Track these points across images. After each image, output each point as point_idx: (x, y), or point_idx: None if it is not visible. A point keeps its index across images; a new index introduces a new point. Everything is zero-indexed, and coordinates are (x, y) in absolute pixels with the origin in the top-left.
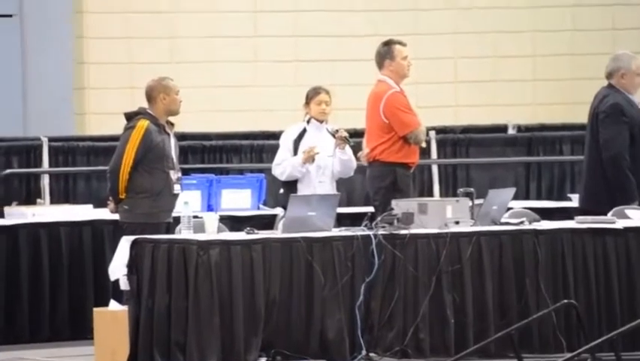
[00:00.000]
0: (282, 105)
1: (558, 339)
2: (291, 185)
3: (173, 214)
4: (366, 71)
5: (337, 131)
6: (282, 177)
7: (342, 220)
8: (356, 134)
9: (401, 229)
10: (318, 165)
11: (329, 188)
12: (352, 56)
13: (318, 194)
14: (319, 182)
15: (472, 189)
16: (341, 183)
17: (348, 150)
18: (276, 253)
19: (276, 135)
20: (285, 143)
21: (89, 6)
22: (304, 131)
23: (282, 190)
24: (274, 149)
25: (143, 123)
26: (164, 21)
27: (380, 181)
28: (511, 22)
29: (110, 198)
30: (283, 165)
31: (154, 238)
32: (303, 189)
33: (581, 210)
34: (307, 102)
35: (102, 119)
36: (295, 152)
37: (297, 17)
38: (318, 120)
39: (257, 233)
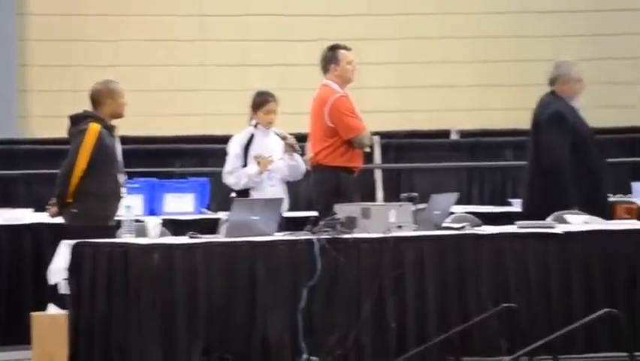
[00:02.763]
0: (227, 109)
1: (498, 343)
2: (243, 189)
3: (116, 218)
4: (312, 75)
5: (285, 137)
6: (237, 187)
7: (286, 225)
8: (302, 139)
9: (344, 234)
10: (268, 170)
11: (280, 191)
12: (299, 61)
13: (261, 198)
14: (271, 185)
15: (415, 194)
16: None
17: (297, 155)
18: (218, 257)
19: (220, 139)
20: (234, 150)
21: (32, 8)
22: (252, 137)
23: (233, 194)
24: (218, 153)
25: (95, 127)
26: (109, 24)
27: (323, 185)
28: (455, 28)
29: (53, 201)
30: (237, 175)
31: (95, 242)
32: (255, 194)
33: (523, 216)
34: (254, 108)
35: (46, 121)
36: (245, 158)
37: (245, 22)
38: (265, 127)
39: (199, 237)
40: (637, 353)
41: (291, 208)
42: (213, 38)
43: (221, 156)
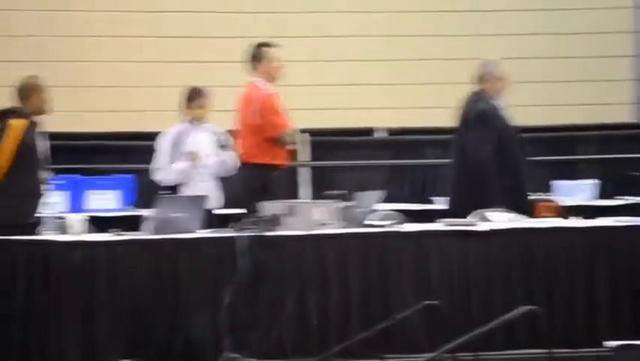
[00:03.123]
0: (152, 105)
1: (420, 340)
2: (173, 186)
3: (38, 215)
4: (239, 72)
5: (216, 133)
6: (166, 183)
7: (210, 221)
8: (232, 135)
9: (268, 231)
10: (199, 166)
11: (210, 187)
12: (223, 58)
13: (185, 195)
14: (201, 181)
15: (339, 192)
16: None
17: (228, 150)
18: (140, 254)
19: (144, 136)
20: (164, 146)
21: None
22: (184, 132)
23: (163, 191)
24: (143, 149)
25: (20, 122)
26: (30, 18)
27: (249, 182)
28: (371, 27)
29: None
30: (166, 171)
31: (16, 239)
32: (186, 190)
33: (447, 213)
34: (187, 104)
35: None
36: (175, 154)
37: (163, 18)
38: (197, 122)
39: (122, 234)
40: (555, 351)
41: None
42: (129, 35)
43: (148, 152)
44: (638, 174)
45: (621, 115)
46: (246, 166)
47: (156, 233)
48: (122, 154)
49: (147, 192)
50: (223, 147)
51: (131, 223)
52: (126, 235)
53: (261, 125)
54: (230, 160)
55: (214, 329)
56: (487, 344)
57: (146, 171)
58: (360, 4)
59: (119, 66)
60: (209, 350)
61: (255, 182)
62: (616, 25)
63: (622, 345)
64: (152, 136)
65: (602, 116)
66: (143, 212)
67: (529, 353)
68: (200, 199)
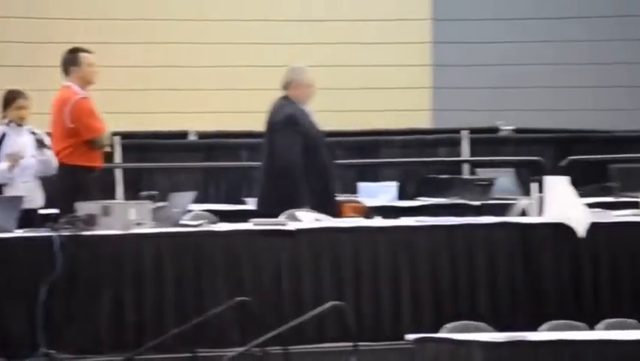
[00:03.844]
0: None
1: (232, 335)
2: None
3: None
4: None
5: (34, 133)
6: None
7: (31, 221)
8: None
9: (84, 230)
10: (21, 166)
11: (32, 187)
12: (46, 62)
13: (0, 195)
14: (23, 182)
15: (154, 193)
16: None
17: (47, 151)
18: None
19: None
20: None
21: None
22: (4, 135)
23: None
24: None
25: None
26: None
27: (64, 183)
28: (172, 35)
29: None
30: None
31: None
32: (8, 191)
33: (258, 214)
34: (5, 106)
35: None
36: None
37: None
38: (17, 124)
39: None
40: (361, 343)
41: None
42: None
43: None
44: (436, 176)
45: (421, 121)
46: (60, 168)
47: None
48: None
49: None
50: (43, 147)
51: None
52: None
53: (75, 129)
54: (51, 159)
55: (30, 325)
56: (297, 338)
57: None
58: (165, 12)
59: None
60: (25, 346)
61: (70, 183)
62: (417, 36)
63: (421, 338)
64: None
65: (404, 121)
66: None
67: (337, 346)
68: (16, 200)
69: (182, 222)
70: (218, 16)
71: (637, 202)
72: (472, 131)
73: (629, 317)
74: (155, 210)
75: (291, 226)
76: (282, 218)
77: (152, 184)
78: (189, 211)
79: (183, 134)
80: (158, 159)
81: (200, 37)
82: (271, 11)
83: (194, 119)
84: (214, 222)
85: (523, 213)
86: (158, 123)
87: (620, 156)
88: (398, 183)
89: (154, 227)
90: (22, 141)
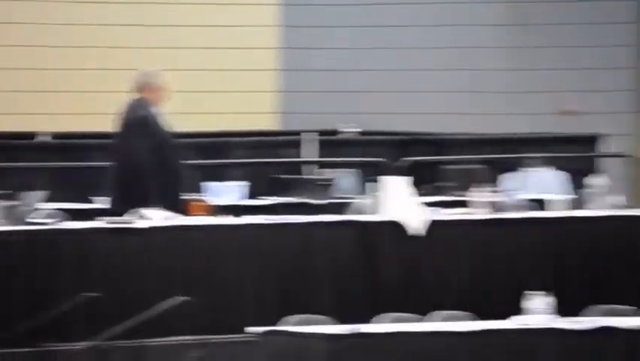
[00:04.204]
0: None
1: (81, 330)
2: None
3: None
4: None
5: None
6: None
7: None
8: None
9: None
10: None
11: None
12: None
13: None
14: None
15: (4, 192)
16: None
17: None
18: None
19: None
20: None
21: None
22: None
23: None
24: None
25: None
26: None
27: None
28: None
29: None
30: None
31: None
32: None
33: (109, 212)
34: None
35: None
36: None
37: None
38: None
39: None
40: (206, 337)
41: None
42: None
43: None
44: (282, 176)
45: (269, 123)
46: None
47: None
48: None
49: None
50: None
51: None
52: None
53: None
54: None
55: None
56: (144, 333)
57: None
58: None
59: None
60: None
61: None
62: (266, 42)
63: (266, 331)
64: None
65: (253, 123)
66: None
67: (186, 339)
68: None
69: (32, 220)
70: (77, 20)
71: (464, 201)
72: (321, 133)
73: (462, 309)
74: (6, 208)
75: (140, 223)
76: (130, 216)
77: (1, 184)
78: (39, 210)
79: (31, 136)
80: (7, 159)
81: (45, 40)
82: (125, 16)
83: (46, 121)
84: (63, 220)
85: (362, 212)
86: (6, 125)
87: (451, 157)
88: (247, 183)
89: (4, 225)
90: None
